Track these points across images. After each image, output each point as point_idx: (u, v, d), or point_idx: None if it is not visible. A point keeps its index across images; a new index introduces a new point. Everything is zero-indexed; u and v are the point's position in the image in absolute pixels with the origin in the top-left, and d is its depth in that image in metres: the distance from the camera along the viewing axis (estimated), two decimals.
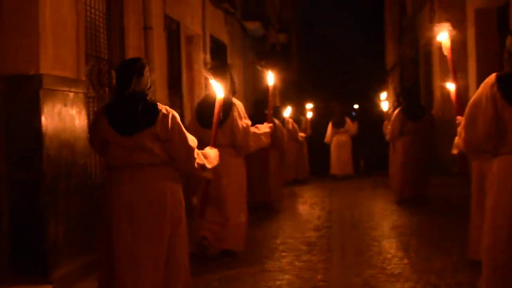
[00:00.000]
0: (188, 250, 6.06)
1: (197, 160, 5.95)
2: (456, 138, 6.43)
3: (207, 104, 8.37)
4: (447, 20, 17.09)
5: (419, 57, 23.19)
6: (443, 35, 6.73)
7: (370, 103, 24.97)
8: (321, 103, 27.88)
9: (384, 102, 18.67)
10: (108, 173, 5.89)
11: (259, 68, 16.93)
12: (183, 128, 5.83)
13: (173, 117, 5.74)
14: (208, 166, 6.20)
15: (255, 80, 23.12)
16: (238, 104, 8.71)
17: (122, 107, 5.73)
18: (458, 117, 6.46)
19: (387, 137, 14.82)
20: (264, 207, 13.20)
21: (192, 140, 5.87)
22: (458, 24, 15.49)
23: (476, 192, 7.82)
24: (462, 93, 8.70)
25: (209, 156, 6.28)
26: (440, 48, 16.63)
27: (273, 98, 11.12)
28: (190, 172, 6.22)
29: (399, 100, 15.31)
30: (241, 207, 8.88)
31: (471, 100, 5.80)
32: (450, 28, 6.86)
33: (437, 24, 7.56)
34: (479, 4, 13.93)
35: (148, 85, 5.84)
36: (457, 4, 16.01)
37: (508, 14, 11.67)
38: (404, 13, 27.16)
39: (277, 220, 12.00)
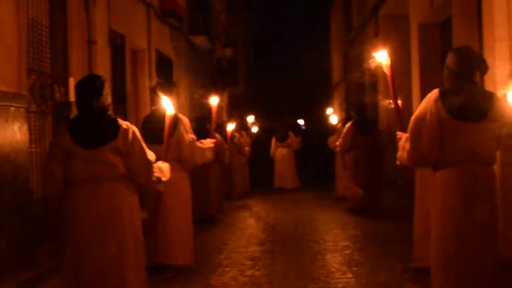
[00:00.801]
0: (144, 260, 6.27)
1: (155, 174, 6.28)
2: (399, 152, 6.64)
3: (154, 119, 8.64)
4: (391, 34, 17.40)
5: (365, 72, 23.40)
6: (383, 55, 6.87)
7: (317, 117, 25.13)
8: (267, 117, 28.03)
9: (333, 116, 18.97)
10: (67, 187, 5.99)
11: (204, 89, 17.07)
12: (143, 143, 6.13)
13: (133, 132, 6.04)
14: (163, 179, 6.51)
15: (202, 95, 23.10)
16: (184, 119, 8.80)
17: (84, 123, 5.98)
18: (398, 133, 6.68)
19: (336, 149, 15.39)
20: (207, 221, 13.30)
21: (150, 154, 6.19)
22: (403, 39, 15.73)
23: (418, 201, 8.12)
24: (405, 108, 8.85)
25: (164, 170, 6.55)
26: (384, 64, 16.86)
27: (218, 114, 11.23)
28: (146, 185, 6.47)
29: (349, 114, 15.65)
30: (187, 220, 8.97)
31: (414, 115, 6.05)
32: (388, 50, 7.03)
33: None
34: (423, 19, 14.12)
35: (109, 101, 6.06)
36: (401, 19, 16.20)
37: (451, 29, 11.84)
38: (350, 27, 27.38)
39: (222, 234, 11.95)
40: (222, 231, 12.32)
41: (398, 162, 7.11)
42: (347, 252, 9.97)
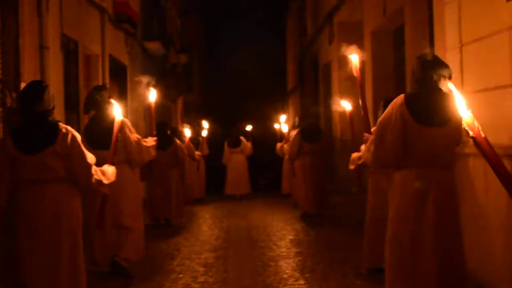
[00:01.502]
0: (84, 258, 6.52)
1: (95, 176, 6.51)
2: (353, 155, 6.88)
3: (96, 126, 8.81)
4: (345, 42, 17.47)
5: (319, 78, 23.52)
6: (354, 56, 7.54)
7: (271, 124, 25.20)
8: (222, 123, 28.04)
9: (284, 124, 19.19)
10: (12, 190, 6.21)
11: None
12: (82, 147, 6.37)
13: (73, 136, 6.28)
14: (105, 182, 6.76)
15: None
16: (126, 120, 8.85)
17: (25, 129, 6.23)
18: (365, 134, 7.18)
19: (286, 156, 15.77)
20: (165, 225, 13.58)
21: (90, 158, 6.43)
22: (357, 45, 15.82)
23: (371, 205, 8.44)
24: (356, 114, 8.94)
25: (107, 173, 6.84)
26: (339, 70, 17.01)
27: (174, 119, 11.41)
28: (87, 187, 6.80)
29: (298, 122, 15.96)
30: (139, 217, 9.24)
31: (380, 118, 6.34)
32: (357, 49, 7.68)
33: (345, 47, 7.89)
34: (376, 27, 14.24)
35: (51, 106, 6.25)
36: (355, 26, 16.31)
37: (403, 37, 11.95)
38: (305, 34, 27.47)
39: (175, 240, 11.91)
40: (175, 238, 12.26)
41: (351, 166, 7.34)
42: (300, 258, 10.02)
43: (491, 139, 7.31)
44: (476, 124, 3.52)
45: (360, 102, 7.79)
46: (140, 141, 8.94)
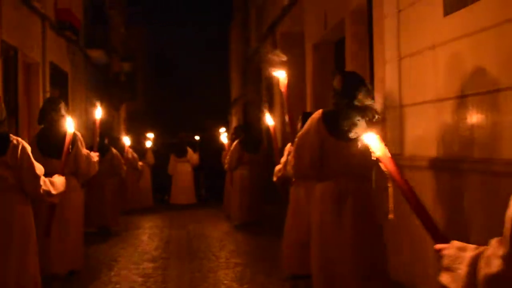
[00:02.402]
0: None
1: (43, 187, 6.61)
2: (277, 167, 7.13)
3: (48, 135, 8.86)
4: (288, 53, 17.53)
5: (262, 89, 23.55)
6: (281, 74, 7.67)
7: (214, 134, 25.21)
8: (168, 132, 27.97)
9: (224, 134, 19.33)
10: None
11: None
12: (31, 158, 6.48)
13: (23, 147, 6.37)
14: (54, 192, 6.88)
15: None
16: (79, 135, 9.08)
17: None
18: (289, 146, 7.63)
19: (225, 166, 15.77)
20: (102, 234, 13.47)
21: (39, 169, 6.54)
22: (299, 57, 15.93)
23: (291, 214, 8.83)
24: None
25: (56, 183, 6.97)
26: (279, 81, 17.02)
27: (115, 128, 11.54)
28: (35, 197, 6.75)
29: (237, 132, 16.11)
30: (80, 228, 9.40)
31: (300, 132, 6.64)
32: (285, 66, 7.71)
33: (275, 59, 8.04)
34: (317, 39, 14.31)
35: (2, 118, 6.38)
36: (297, 38, 16.36)
37: (344, 49, 12.03)
38: (249, 44, 27.52)
39: (113, 251, 11.78)
40: (114, 248, 12.14)
41: (274, 179, 7.61)
42: (239, 269, 10.00)
43: (427, 152, 7.44)
44: (382, 144, 3.62)
45: (287, 117, 8.25)
46: (89, 156, 9.18)
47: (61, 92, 17.80)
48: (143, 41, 41.79)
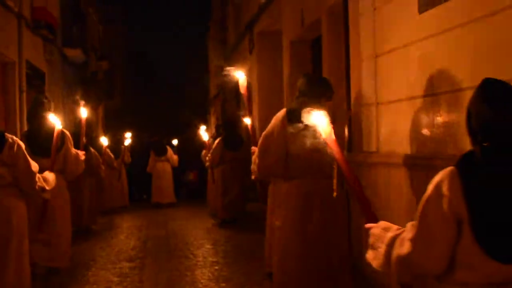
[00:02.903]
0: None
1: (38, 183, 7.04)
2: (252, 166, 7.23)
3: (37, 134, 8.99)
4: (265, 51, 17.61)
5: (239, 87, 23.48)
6: (240, 75, 7.90)
7: (194, 132, 25.19)
8: (146, 131, 27.93)
9: (204, 132, 19.30)
10: None
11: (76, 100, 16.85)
12: (27, 155, 6.85)
13: (18, 145, 6.73)
14: (47, 188, 7.38)
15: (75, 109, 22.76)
16: (68, 134, 9.33)
17: None
18: (253, 148, 7.62)
19: (207, 164, 15.96)
20: (80, 233, 13.34)
21: (34, 166, 6.95)
22: (276, 55, 15.96)
23: (270, 212, 8.84)
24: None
25: (48, 180, 7.46)
26: (259, 79, 17.07)
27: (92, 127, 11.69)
28: (30, 193, 7.14)
29: (218, 131, 16.22)
30: (68, 225, 9.61)
31: (264, 131, 6.83)
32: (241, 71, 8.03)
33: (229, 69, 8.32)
34: (294, 37, 14.31)
35: None
36: (274, 35, 16.36)
37: (320, 47, 12.04)
38: (226, 43, 27.49)
39: (91, 250, 11.75)
40: (91, 247, 12.11)
41: (253, 177, 7.75)
42: (216, 267, 10.00)
43: (403, 149, 7.47)
44: (333, 136, 3.78)
45: (249, 118, 8.73)
46: (78, 155, 9.48)
47: (38, 91, 17.66)
48: (121, 40, 41.67)
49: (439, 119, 6.62)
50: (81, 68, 25.84)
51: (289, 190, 6.74)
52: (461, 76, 6.13)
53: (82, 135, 10.26)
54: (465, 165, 3.13)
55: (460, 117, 6.21)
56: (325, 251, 6.59)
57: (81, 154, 9.63)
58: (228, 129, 15.64)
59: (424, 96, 6.96)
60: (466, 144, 5.99)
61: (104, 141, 17.97)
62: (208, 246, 12.03)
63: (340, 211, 6.70)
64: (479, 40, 5.82)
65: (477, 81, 5.40)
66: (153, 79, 48.42)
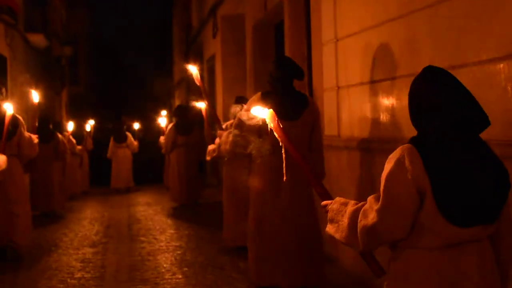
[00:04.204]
0: None
1: None
2: (209, 147, 7.57)
3: None
4: (229, 35, 17.60)
5: (203, 71, 23.48)
6: (193, 68, 8.57)
7: (155, 118, 25.16)
8: (110, 117, 27.84)
9: (163, 118, 19.50)
10: None
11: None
12: None
13: None
14: None
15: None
16: (21, 118, 9.48)
17: None
18: (219, 131, 8.33)
19: (163, 150, 16.48)
20: (46, 218, 13.65)
21: None
22: (240, 40, 15.96)
23: (226, 191, 9.76)
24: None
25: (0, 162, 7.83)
26: (222, 63, 17.08)
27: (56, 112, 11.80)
28: None
29: (172, 116, 16.57)
30: (26, 203, 9.95)
31: (238, 113, 7.31)
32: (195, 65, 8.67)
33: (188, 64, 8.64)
34: (257, 21, 14.30)
35: None
36: (238, 19, 16.33)
37: (283, 31, 12.04)
38: (191, 27, 27.40)
39: (53, 236, 11.69)
40: (54, 233, 12.04)
41: (207, 158, 8.05)
42: (179, 252, 10.00)
43: (362, 133, 7.52)
44: (276, 119, 4.13)
45: (207, 106, 9.48)
46: (31, 139, 9.60)
47: None
48: (85, 25, 41.32)
49: (397, 103, 6.67)
50: (44, 53, 25.59)
51: (259, 168, 7.15)
52: (418, 60, 6.18)
53: (35, 119, 10.56)
54: (421, 142, 3.45)
55: None
56: (296, 229, 6.98)
57: (34, 138, 9.75)
58: (180, 114, 15.80)
59: (383, 80, 7.01)
60: None
61: (70, 126, 17.92)
62: (171, 231, 12.02)
63: (309, 192, 7.00)
64: (437, 24, 5.86)
65: (437, 64, 5.47)
66: (118, 65, 48.10)
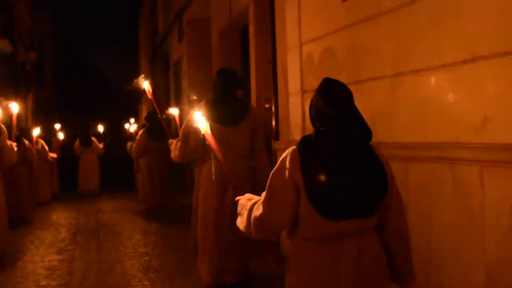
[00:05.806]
0: None
1: None
2: (172, 153, 8.39)
3: None
4: (194, 39, 17.61)
5: (169, 75, 23.46)
6: (145, 83, 8.80)
7: (123, 123, 25.07)
8: (76, 122, 27.73)
9: (133, 125, 19.57)
10: None
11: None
12: None
13: None
14: None
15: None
16: (3, 127, 9.69)
17: None
18: (170, 140, 8.56)
19: (133, 155, 16.36)
20: (16, 222, 13.32)
21: None
22: (205, 44, 15.96)
23: (200, 193, 9.40)
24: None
25: None
26: (189, 67, 17.08)
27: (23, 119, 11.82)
28: None
29: (144, 122, 16.57)
30: (3, 211, 10.02)
31: (185, 121, 7.75)
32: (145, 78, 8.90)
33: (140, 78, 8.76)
34: (223, 26, 14.31)
35: None
36: (203, 23, 16.33)
37: (248, 35, 12.06)
38: (157, 31, 27.36)
39: (20, 243, 11.57)
40: (20, 240, 11.91)
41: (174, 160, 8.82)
42: (145, 258, 9.97)
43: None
44: (206, 124, 5.05)
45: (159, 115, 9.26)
46: (12, 146, 9.83)
47: None
48: (50, 29, 41.01)
49: (361, 107, 6.67)
50: (9, 58, 25.35)
51: (208, 169, 7.73)
52: (383, 63, 6.21)
53: (13, 129, 10.41)
54: (303, 145, 3.93)
55: (377, 104, 6.30)
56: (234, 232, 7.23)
57: (14, 145, 9.92)
58: (151, 121, 15.80)
59: (348, 84, 7.02)
60: (390, 132, 6.10)
61: (35, 132, 17.80)
62: (138, 237, 11.97)
63: (256, 187, 7.29)
64: (403, 27, 5.90)
65: (398, 69, 5.55)
66: (84, 69, 47.82)
